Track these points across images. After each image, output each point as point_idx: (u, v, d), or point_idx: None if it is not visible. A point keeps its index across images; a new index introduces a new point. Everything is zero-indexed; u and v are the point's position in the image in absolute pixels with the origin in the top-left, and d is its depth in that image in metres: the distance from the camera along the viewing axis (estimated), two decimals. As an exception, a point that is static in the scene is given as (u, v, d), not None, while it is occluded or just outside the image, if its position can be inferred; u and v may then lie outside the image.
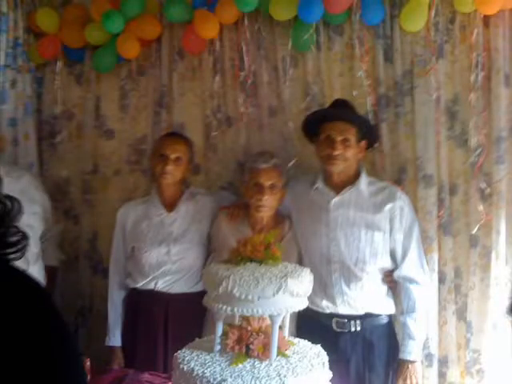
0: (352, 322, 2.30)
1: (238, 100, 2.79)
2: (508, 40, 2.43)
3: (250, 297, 1.65)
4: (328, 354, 1.81)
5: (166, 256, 2.54)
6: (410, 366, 2.29)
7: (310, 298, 1.86)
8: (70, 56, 3.04)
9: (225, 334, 1.78)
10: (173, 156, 2.51)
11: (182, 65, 2.90)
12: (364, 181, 2.36)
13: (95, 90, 3.04)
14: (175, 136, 2.63)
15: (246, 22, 2.71)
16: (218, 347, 1.78)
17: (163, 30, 2.87)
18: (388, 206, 2.30)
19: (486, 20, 2.44)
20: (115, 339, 2.60)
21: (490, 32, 2.45)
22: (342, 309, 2.31)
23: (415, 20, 2.46)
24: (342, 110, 2.37)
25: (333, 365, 1.79)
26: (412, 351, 2.30)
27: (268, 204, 2.37)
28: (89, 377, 2.01)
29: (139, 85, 2.98)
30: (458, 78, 2.53)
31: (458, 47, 2.51)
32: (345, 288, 2.31)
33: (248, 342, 1.72)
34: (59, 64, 3.03)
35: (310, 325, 2.25)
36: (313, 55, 2.68)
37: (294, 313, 1.89)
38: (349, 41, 2.66)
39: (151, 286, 2.55)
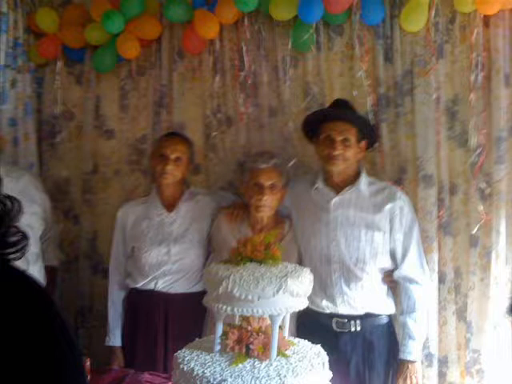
0: (352, 322, 2.30)
1: (238, 100, 2.79)
2: (508, 40, 2.43)
3: (250, 297, 1.65)
4: (328, 354, 1.82)
5: (166, 256, 2.54)
6: (410, 365, 2.29)
7: (310, 298, 1.87)
8: (70, 56, 3.04)
9: (225, 334, 1.78)
10: (173, 156, 2.51)
11: (181, 65, 2.90)
12: (364, 181, 2.36)
13: (95, 89, 3.03)
14: (175, 136, 2.63)
15: (245, 21, 2.71)
16: (217, 347, 1.78)
17: (163, 30, 2.87)
18: (388, 206, 2.31)
19: (486, 20, 2.44)
20: (115, 339, 2.60)
21: (490, 32, 2.45)
22: (342, 309, 2.31)
23: (415, 20, 2.46)
24: (342, 110, 2.37)
25: (333, 365, 1.80)
26: (412, 351, 2.30)
27: (268, 204, 2.37)
28: (89, 377, 2.01)
29: (139, 85, 2.98)
30: (458, 78, 2.53)
31: (458, 47, 2.51)
32: (345, 288, 2.31)
33: (248, 342, 1.73)
34: (59, 64, 3.03)
35: (310, 325, 2.25)
36: (313, 55, 2.68)
37: (294, 313, 1.89)
38: (349, 41, 2.66)
39: (151, 286, 2.55)
